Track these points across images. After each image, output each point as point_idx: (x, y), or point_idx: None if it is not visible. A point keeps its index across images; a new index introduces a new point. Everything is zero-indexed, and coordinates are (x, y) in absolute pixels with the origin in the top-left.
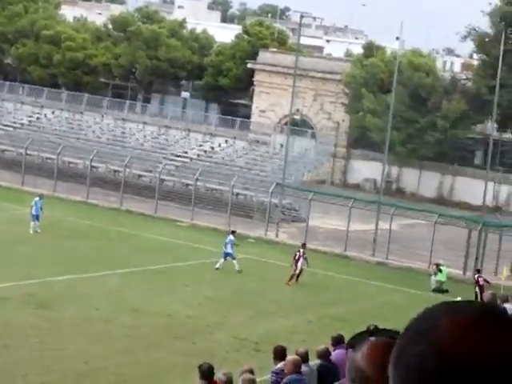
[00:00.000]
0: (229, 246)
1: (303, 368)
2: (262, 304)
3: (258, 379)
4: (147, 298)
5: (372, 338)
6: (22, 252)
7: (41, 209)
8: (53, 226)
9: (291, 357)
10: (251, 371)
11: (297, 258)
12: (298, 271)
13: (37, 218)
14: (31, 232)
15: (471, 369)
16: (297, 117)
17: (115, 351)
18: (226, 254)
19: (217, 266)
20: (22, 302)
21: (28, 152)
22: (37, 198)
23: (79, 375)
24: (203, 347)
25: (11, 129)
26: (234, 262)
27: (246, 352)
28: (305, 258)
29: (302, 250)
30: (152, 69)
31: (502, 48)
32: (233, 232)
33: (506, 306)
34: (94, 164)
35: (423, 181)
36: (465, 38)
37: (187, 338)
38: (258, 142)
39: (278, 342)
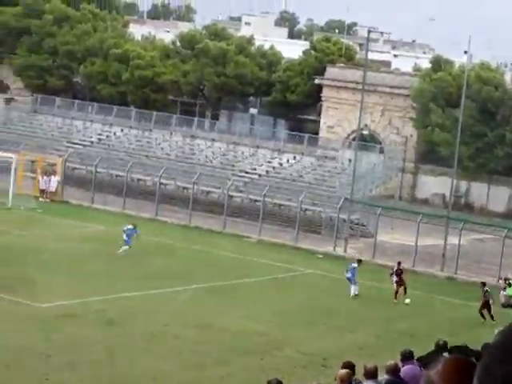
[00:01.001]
0: (350, 273)
1: None
2: (329, 319)
3: None
4: (216, 314)
5: (446, 356)
6: (91, 269)
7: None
8: (122, 242)
9: (340, 371)
10: None
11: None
12: (395, 287)
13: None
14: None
15: None
16: (365, 132)
17: (184, 367)
18: (348, 279)
19: (352, 294)
20: (92, 318)
21: (98, 170)
22: (130, 226)
23: None
24: (271, 363)
25: (81, 147)
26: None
27: (314, 368)
28: (398, 275)
29: (396, 268)
30: (220, 86)
31: None
32: (359, 261)
33: None
34: (162, 181)
35: (492, 195)
36: None
37: (255, 354)
38: (326, 157)
39: (346, 358)
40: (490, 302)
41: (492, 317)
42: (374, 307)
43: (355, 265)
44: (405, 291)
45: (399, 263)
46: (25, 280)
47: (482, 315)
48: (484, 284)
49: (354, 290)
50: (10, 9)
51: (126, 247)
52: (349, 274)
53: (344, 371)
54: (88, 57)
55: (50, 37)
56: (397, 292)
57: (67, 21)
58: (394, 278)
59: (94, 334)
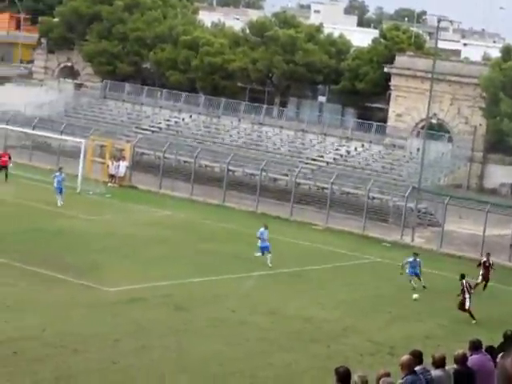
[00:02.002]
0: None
1: (439, 373)
2: (396, 308)
3: None
4: (283, 301)
5: None
6: (159, 253)
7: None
8: (190, 228)
9: (403, 357)
10: (389, 375)
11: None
12: (479, 279)
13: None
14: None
15: None
16: (433, 121)
17: (250, 353)
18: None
19: (423, 285)
20: (160, 302)
21: (166, 155)
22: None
23: (214, 377)
24: (338, 350)
25: (149, 133)
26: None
27: (381, 356)
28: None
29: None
30: (289, 73)
31: None
32: (415, 254)
33: None
34: (230, 167)
35: None
36: None
37: (322, 342)
38: (395, 146)
39: (413, 347)
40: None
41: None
42: (440, 297)
43: (410, 259)
44: (485, 286)
45: (488, 254)
46: (93, 264)
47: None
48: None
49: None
50: None
51: (259, 254)
52: (409, 270)
53: (406, 356)
54: (158, 43)
55: (121, 23)
56: (477, 284)
57: (137, 7)
58: (481, 271)
59: (161, 318)
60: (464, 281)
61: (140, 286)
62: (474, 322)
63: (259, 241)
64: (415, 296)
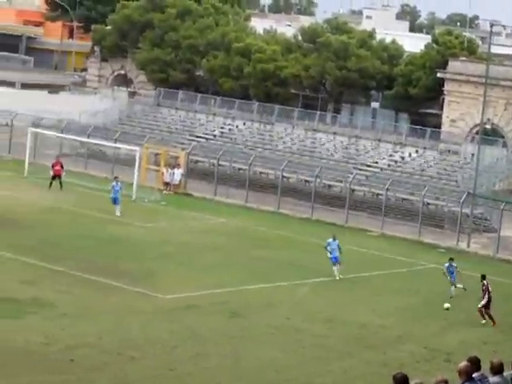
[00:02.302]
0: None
1: (497, 379)
2: (452, 314)
3: None
4: (338, 308)
5: None
6: (214, 260)
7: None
8: (244, 235)
9: (460, 364)
10: (446, 382)
11: None
12: None
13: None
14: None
15: None
16: (488, 126)
17: (306, 360)
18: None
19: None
20: (215, 310)
21: (220, 163)
22: (114, 183)
23: None
24: (394, 357)
25: (204, 140)
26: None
27: (437, 363)
28: None
29: None
30: (342, 79)
31: None
32: (451, 259)
33: None
34: (284, 174)
35: None
36: None
37: (378, 348)
38: (449, 151)
39: (470, 353)
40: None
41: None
42: (496, 302)
43: (447, 264)
44: None
45: None
46: (149, 272)
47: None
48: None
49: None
50: (133, 3)
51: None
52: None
53: (464, 363)
54: (210, 50)
55: (173, 31)
56: None
57: (190, 15)
58: None
59: (217, 325)
60: (485, 281)
61: (196, 294)
62: (483, 321)
63: (328, 252)
64: (446, 305)
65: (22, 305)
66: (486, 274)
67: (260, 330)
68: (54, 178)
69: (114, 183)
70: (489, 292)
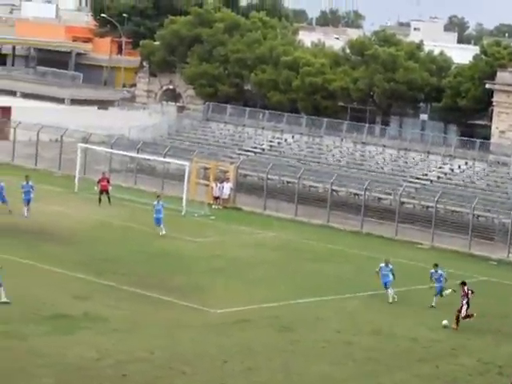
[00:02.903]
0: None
1: None
2: (505, 327)
3: None
4: (388, 321)
5: None
6: (264, 274)
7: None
8: (294, 248)
9: None
10: None
11: None
12: None
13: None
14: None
15: None
16: None
17: (357, 374)
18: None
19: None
20: (266, 324)
21: (269, 176)
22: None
23: None
24: (446, 371)
25: (252, 154)
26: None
27: (491, 376)
28: None
29: None
30: (390, 92)
31: None
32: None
33: None
34: (334, 187)
35: None
36: None
37: (430, 361)
38: (499, 163)
39: None
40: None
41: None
42: None
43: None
44: None
45: None
46: (199, 286)
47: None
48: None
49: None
50: (181, 18)
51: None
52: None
53: None
54: (258, 64)
55: (221, 45)
56: None
57: (237, 29)
58: None
59: (267, 340)
60: (466, 287)
61: (246, 308)
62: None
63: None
64: (444, 323)
65: (74, 320)
66: None
67: (310, 344)
68: (101, 193)
69: (155, 202)
70: (468, 298)
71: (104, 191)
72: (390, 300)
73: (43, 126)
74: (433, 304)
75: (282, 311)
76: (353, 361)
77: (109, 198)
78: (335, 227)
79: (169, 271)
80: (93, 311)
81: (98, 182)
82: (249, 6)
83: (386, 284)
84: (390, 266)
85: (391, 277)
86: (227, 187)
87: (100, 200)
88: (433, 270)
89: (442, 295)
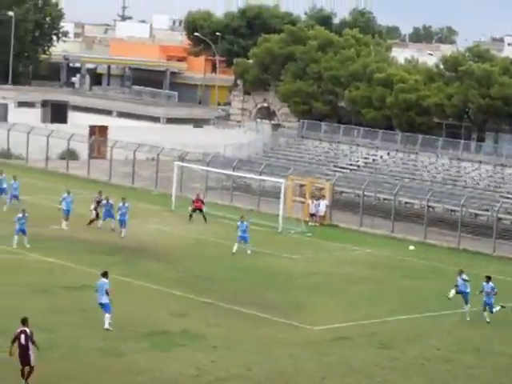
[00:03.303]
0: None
1: None
2: None
3: None
4: (488, 338)
5: None
6: (361, 291)
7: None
8: (391, 265)
9: None
10: None
11: None
12: None
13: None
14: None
15: None
16: None
17: None
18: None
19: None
20: (364, 341)
21: (365, 193)
22: (239, 222)
23: None
24: None
25: (348, 171)
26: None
27: None
28: None
29: None
30: (485, 107)
31: None
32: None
33: None
34: (430, 204)
35: None
36: None
37: None
38: None
39: None
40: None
41: None
42: None
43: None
44: None
45: None
46: (297, 303)
47: None
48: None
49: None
50: (274, 36)
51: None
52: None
53: None
54: (352, 81)
55: (315, 63)
56: None
57: (331, 46)
58: None
59: (366, 356)
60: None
61: (344, 325)
62: None
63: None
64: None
65: (172, 337)
66: None
67: (410, 361)
68: (194, 211)
69: (238, 222)
70: None
71: (198, 210)
72: (488, 319)
73: (139, 144)
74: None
75: (380, 328)
76: (453, 377)
77: (204, 217)
78: (432, 243)
79: (266, 288)
80: (190, 328)
81: (193, 202)
82: (342, 23)
83: (489, 305)
84: (491, 284)
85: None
86: (323, 204)
87: (191, 217)
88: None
89: None
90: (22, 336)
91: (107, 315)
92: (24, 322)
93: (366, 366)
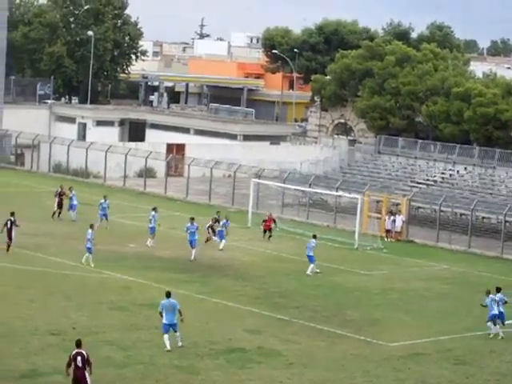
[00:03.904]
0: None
1: None
2: None
3: None
4: None
5: None
6: (437, 307)
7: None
8: (468, 281)
9: None
10: None
11: None
12: None
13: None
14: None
15: None
16: None
17: None
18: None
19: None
20: (440, 357)
21: (442, 208)
22: (153, 213)
23: None
24: None
25: (424, 186)
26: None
27: None
28: None
29: None
30: None
31: None
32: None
33: None
34: (507, 219)
35: None
36: None
37: None
38: None
39: None
40: None
41: None
42: None
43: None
44: None
45: None
46: (373, 319)
47: None
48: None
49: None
50: (352, 52)
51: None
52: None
53: None
54: (430, 96)
55: (392, 78)
56: None
57: (408, 61)
58: None
59: (442, 373)
60: None
61: (420, 341)
62: None
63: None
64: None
65: (248, 354)
66: None
67: (486, 377)
68: (265, 232)
69: (311, 241)
70: None
71: (267, 230)
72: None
73: (216, 162)
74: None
75: (456, 344)
76: None
77: (270, 236)
78: (509, 259)
79: (343, 304)
80: (266, 345)
81: (264, 222)
82: (419, 37)
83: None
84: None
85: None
86: (399, 220)
87: (265, 236)
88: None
89: None
90: (79, 358)
91: (178, 334)
92: (78, 344)
93: (441, 382)
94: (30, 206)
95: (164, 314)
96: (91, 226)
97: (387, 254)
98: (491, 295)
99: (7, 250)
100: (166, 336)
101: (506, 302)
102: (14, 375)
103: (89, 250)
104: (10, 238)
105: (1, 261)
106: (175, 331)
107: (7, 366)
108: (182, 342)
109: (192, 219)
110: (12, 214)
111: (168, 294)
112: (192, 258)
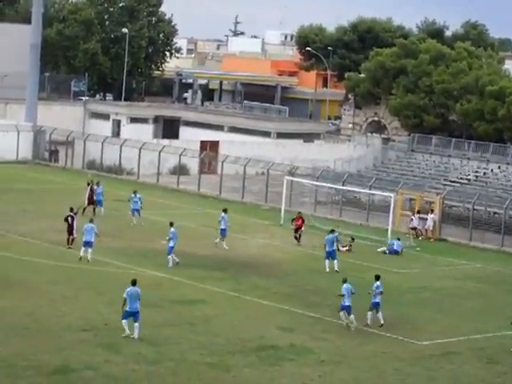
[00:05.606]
0: None
1: None
2: None
3: None
4: None
5: None
6: (470, 306)
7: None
8: (501, 280)
9: None
10: None
11: None
12: None
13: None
14: None
15: None
16: None
17: None
18: None
19: None
20: (472, 356)
21: (475, 207)
22: (222, 214)
23: None
24: None
25: (458, 185)
26: None
27: None
28: None
29: None
30: None
31: None
32: None
33: None
34: None
35: None
36: None
37: None
38: None
39: None
40: None
41: None
42: None
43: None
44: None
45: None
46: (405, 318)
47: None
48: None
49: None
50: (386, 50)
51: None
52: None
53: None
54: (464, 94)
55: (426, 76)
56: None
57: (442, 59)
58: None
59: (474, 372)
60: None
61: (452, 340)
62: None
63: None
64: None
65: (279, 351)
66: None
67: None
68: (296, 231)
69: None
70: None
71: (298, 229)
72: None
73: (250, 159)
74: None
75: (488, 343)
76: None
77: (300, 235)
78: None
79: None
80: (298, 343)
81: (293, 220)
82: (454, 36)
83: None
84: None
85: None
86: (430, 219)
87: (296, 238)
88: None
89: None
90: None
91: (137, 324)
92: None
93: (473, 381)
94: (65, 202)
95: (128, 302)
96: (171, 224)
97: (419, 252)
98: None
99: (71, 244)
100: (124, 321)
101: None
102: (46, 371)
103: (170, 249)
104: (70, 233)
105: (36, 257)
106: (135, 321)
107: (40, 362)
108: (139, 335)
109: (225, 210)
110: (71, 209)
111: (134, 282)
112: (225, 247)
